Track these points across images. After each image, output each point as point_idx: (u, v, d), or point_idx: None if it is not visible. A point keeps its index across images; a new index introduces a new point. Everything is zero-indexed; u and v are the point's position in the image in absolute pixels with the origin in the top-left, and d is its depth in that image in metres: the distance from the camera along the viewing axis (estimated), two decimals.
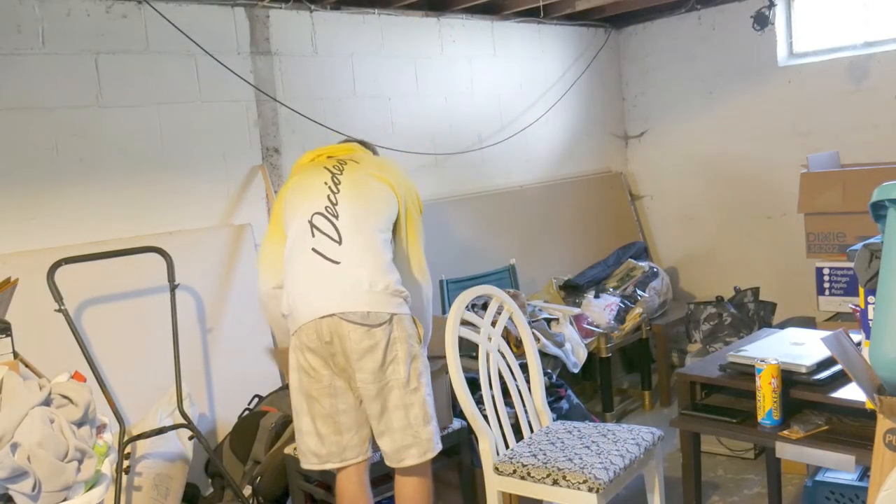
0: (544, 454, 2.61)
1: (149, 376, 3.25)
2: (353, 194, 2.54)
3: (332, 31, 3.98)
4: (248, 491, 3.11)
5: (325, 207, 2.52)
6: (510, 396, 2.84)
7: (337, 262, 2.44)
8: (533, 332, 3.10)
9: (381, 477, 2.75)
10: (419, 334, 2.54)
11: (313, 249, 2.48)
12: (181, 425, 2.99)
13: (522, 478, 2.56)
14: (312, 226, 2.51)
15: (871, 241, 1.93)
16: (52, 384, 2.01)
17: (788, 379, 2.43)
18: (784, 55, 4.81)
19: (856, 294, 2.16)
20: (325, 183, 2.57)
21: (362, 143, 2.93)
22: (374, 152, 2.92)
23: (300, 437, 2.58)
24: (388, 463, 2.54)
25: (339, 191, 2.55)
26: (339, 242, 2.46)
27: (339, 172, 2.60)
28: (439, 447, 2.54)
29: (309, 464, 2.57)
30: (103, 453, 2.00)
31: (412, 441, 2.47)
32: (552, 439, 2.73)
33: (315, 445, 2.53)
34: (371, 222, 2.51)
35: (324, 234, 2.49)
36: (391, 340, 2.44)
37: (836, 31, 4.64)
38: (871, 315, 1.90)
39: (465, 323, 2.78)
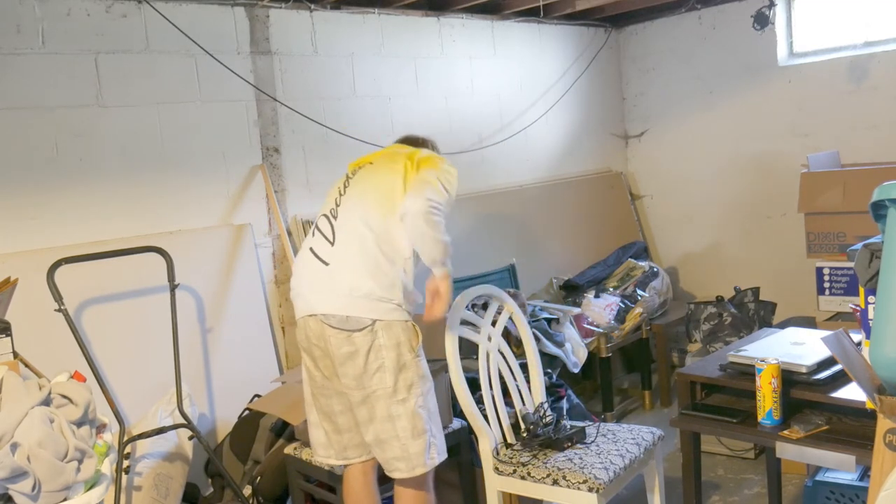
0: (544, 454, 2.61)
1: (149, 376, 3.25)
2: (356, 193, 2.53)
3: (331, 30, 3.98)
4: (248, 491, 3.12)
5: (330, 210, 2.55)
6: (510, 396, 2.84)
7: (327, 264, 2.44)
8: (533, 332, 3.10)
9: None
10: (412, 343, 2.40)
11: (310, 249, 2.52)
12: (181, 425, 2.99)
13: (522, 478, 2.56)
14: (316, 227, 2.56)
15: (871, 241, 1.92)
16: (51, 384, 2.01)
17: (788, 379, 2.42)
18: (784, 55, 4.81)
19: (856, 294, 2.16)
20: (338, 188, 2.59)
21: (415, 140, 2.80)
22: (427, 146, 2.73)
23: (308, 428, 2.62)
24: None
25: (344, 192, 2.55)
26: (332, 244, 2.46)
27: (352, 175, 2.59)
28: (433, 462, 2.43)
29: (318, 456, 2.61)
30: (103, 453, 2.00)
31: (400, 454, 2.40)
32: None
33: (321, 437, 2.57)
34: (367, 221, 2.43)
35: (322, 234, 2.51)
36: (374, 347, 2.35)
37: (837, 31, 4.63)
38: (871, 315, 1.89)
39: (465, 323, 2.78)
